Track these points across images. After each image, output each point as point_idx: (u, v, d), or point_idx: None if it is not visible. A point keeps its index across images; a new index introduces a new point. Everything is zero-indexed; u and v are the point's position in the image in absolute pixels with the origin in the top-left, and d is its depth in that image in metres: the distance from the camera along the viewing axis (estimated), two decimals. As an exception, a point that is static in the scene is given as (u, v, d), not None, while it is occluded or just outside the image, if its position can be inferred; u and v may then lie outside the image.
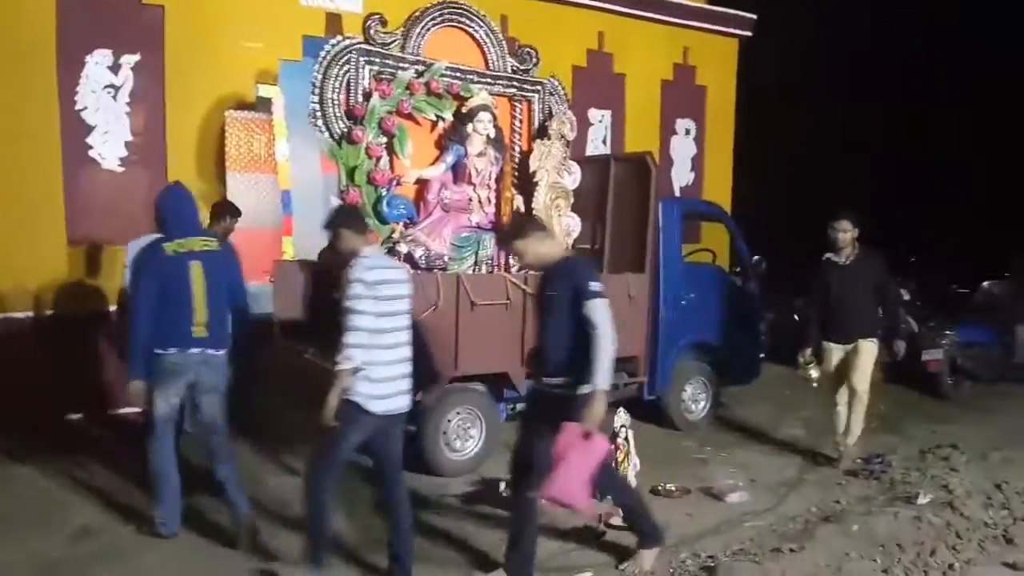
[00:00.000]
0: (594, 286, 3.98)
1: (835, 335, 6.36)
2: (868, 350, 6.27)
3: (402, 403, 4.10)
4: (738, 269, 7.94)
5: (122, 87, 7.23)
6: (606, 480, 4.39)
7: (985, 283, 9.89)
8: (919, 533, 4.86)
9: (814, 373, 6.43)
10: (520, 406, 6.66)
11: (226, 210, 6.04)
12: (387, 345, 4.01)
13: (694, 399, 7.44)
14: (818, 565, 4.42)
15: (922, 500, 5.36)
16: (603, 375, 3.92)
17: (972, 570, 4.47)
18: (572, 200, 6.87)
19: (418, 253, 5.95)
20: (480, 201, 6.45)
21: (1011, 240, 11.08)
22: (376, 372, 3.95)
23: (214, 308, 4.49)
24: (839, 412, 6.49)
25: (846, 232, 6.24)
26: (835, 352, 6.37)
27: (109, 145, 7.22)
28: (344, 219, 4.17)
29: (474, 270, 6.33)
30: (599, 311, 3.93)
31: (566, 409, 4.00)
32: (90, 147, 7.14)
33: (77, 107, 7.06)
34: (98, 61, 7.11)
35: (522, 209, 6.64)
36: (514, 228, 4.53)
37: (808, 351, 6.42)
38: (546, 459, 3.98)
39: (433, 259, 6.01)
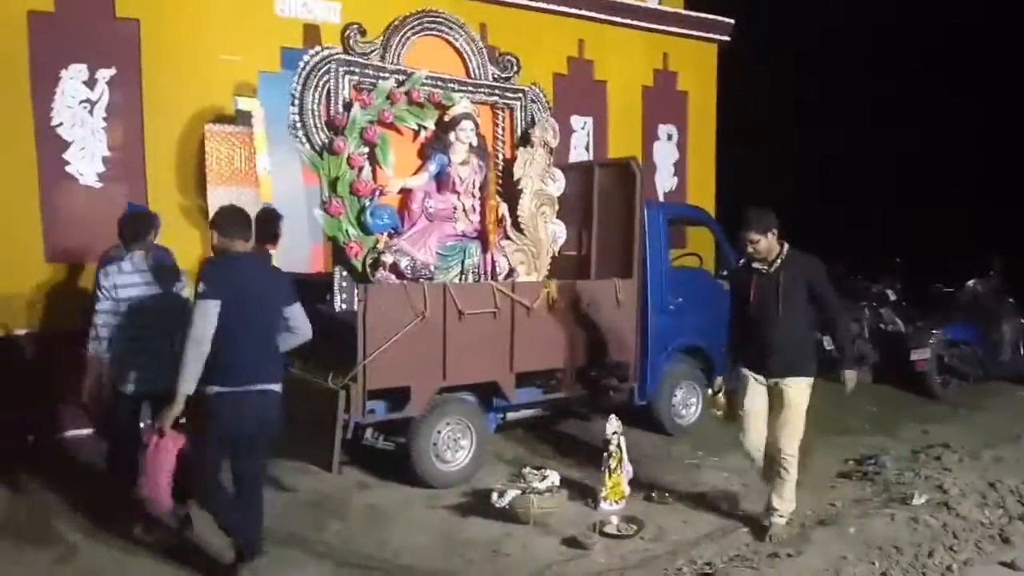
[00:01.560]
0: (200, 286, 4.03)
1: (754, 363, 4.95)
2: (796, 397, 4.82)
3: (145, 388, 4.65)
4: (724, 273, 7.92)
5: (98, 102, 7.12)
6: (196, 481, 4.35)
7: (970, 282, 9.89)
8: (916, 534, 4.82)
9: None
10: (511, 415, 6.62)
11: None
12: (128, 337, 4.62)
13: (684, 404, 7.40)
14: (816, 569, 4.37)
15: (917, 501, 5.32)
16: (182, 377, 3.95)
17: (970, 571, 4.43)
18: (557, 207, 6.83)
19: (403, 263, 5.88)
20: (465, 210, 6.39)
21: (995, 238, 11.12)
22: (123, 359, 4.64)
23: None
24: (756, 465, 5.13)
25: (756, 243, 4.82)
26: (752, 385, 4.96)
27: (86, 161, 7.11)
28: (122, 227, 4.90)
29: (460, 279, 6.26)
30: (193, 312, 4.02)
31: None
32: (67, 163, 7.03)
33: (53, 123, 6.95)
34: (73, 76, 7.00)
35: (507, 217, 6.59)
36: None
37: (719, 379, 5.28)
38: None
39: (419, 269, 5.94)
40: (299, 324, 4.39)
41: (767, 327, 4.83)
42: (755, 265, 4.91)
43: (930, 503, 5.33)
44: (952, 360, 8.95)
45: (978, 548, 4.70)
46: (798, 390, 4.84)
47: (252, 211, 7.17)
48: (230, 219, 4.29)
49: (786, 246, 4.87)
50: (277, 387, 4.24)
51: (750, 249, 4.87)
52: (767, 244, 4.82)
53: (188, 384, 3.95)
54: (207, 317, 3.94)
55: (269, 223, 5.87)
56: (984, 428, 7.57)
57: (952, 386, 8.94)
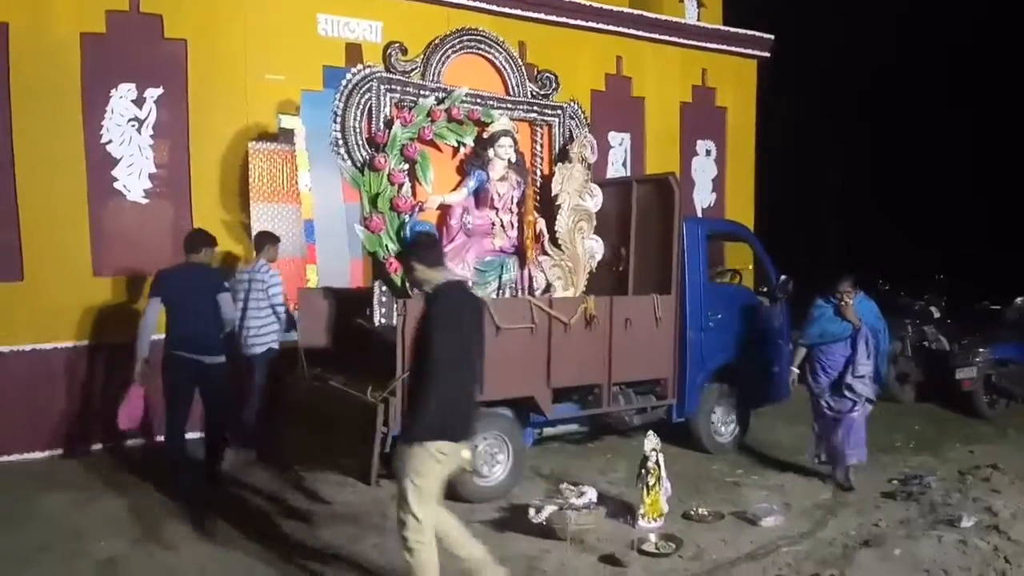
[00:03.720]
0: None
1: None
2: (400, 461, 3.91)
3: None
4: (764, 289, 7.84)
5: (146, 120, 7.30)
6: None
7: (1018, 299, 9.68)
8: (965, 558, 4.70)
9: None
10: (548, 431, 6.61)
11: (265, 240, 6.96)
12: None
13: (724, 421, 7.31)
14: (860, 591, 4.29)
15: (966, 523, 5.19)
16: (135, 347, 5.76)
17: (1022, 595, 4.31)
18: (595, 223, 6.83)
19: (442, 278, 5.90)
20: (503, 225, 6.42)
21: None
22: None
23: None
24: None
25: (411, 272, 4.13)
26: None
27: (134, 177, 7.28)
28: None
29: (498, 294, 6.28)
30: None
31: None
32: (115, 179, 7.20)
33: (102, 140, 7.14)
34: (122, 95, 7.19)
35: (545, 233, 6.60)
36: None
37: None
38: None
39: (457, 284, 5.96)
40: (225, 309, 5.98)
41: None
42: None
43: (979, 525, 5.19)
44: (999, 379, 8.75)
45: (1030, 573, 4.57)
46: (402, 454, 3.87)
47: (293, 227, 7.43)
48: (187, 240, 6.07)
49: (444, 278, 4.07)
50: (209, 359, 5.81)
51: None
52: (415, 276, 4.09)
53: (139, 351, 5.74)
54: (148, 309, 5.78)
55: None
56: (1034, 450, 7.37)
57: (1000, 406, 8.74)
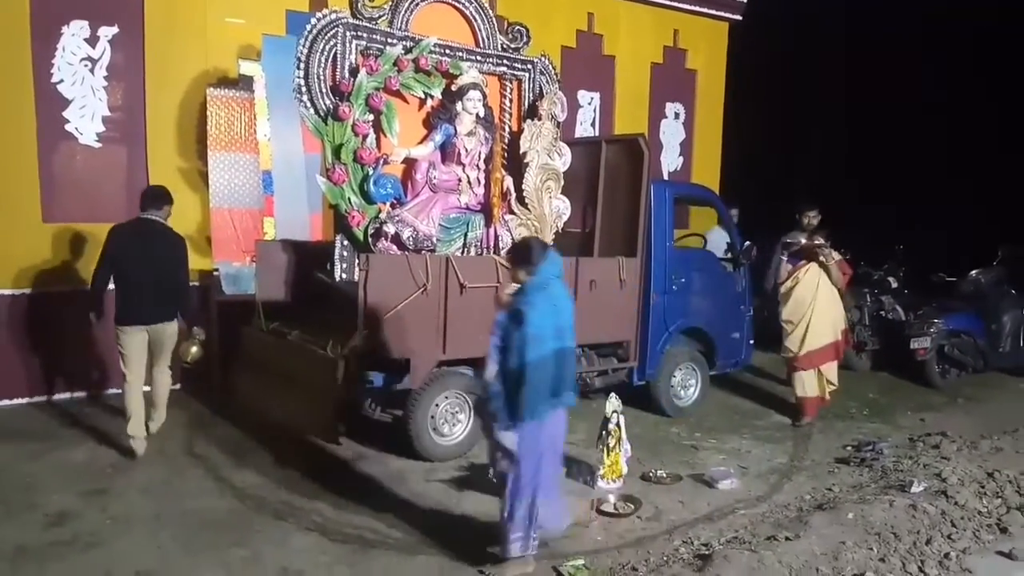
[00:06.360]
0: None
1: None
2: None
3: None
4: (728, 255, 7.85)
5: (100, 60, 6.99)
6: None
7: (973, 272, 9.84)
8: (914, 522, 4.78)
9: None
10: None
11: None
12: None
13: (684, 385, 7.36)
14: (814, 553, 4.34)
15: (916, 488, 5.29)
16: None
17: (968, 559, 4.39)
18: (562, 182, 6.74)
19: (405, 234, 5.80)
20: (469, 182, 6.31)
21: (1000, 228, 11.05)
22: None
23: None
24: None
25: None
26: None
27: (86, 120, 6.98)
28: None
29: (463, 252, 6.19)
30: None
31: None
32: (67, 121, 6.90)
33: (53, 80, 6.82)
34: (75, 32, 6.86)
35: (512, 191, 6.50)
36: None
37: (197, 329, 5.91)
38: None
39: (421, 240, 5.87)
40: None
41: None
42: None
43: (928, 491, 5.29)
44: (952, 350, 8.92)
45: (976, 537, 4.67)
46: None
47: (251, 177, 7.24)
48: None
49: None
50: None
51: None
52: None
53: None
54: None
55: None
56: (982, 418, 7.54)
57: (951, 376, 8.92)
